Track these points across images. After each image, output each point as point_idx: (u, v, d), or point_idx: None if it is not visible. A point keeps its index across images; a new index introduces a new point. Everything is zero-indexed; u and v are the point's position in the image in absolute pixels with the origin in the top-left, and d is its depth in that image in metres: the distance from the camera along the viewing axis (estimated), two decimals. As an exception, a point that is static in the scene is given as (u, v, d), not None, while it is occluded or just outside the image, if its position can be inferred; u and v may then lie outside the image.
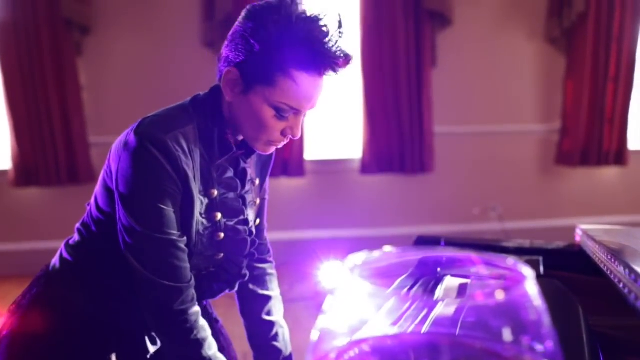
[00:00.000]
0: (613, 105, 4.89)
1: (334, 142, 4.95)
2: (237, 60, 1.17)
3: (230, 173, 1.29)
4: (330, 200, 4.86)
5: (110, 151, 1.24)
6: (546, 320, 0.48)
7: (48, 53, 4.37)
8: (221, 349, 1.47)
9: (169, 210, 1.17)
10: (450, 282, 1.46)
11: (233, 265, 1.36)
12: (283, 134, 1.23)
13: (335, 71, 1.18)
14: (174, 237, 1.19)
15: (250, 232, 1.37)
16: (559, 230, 4.82)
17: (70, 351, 1.27)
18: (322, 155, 4.88)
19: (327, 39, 1.14)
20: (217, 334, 1.53)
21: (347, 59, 1.18)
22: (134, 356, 1.34)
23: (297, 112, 1.21)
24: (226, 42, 1.21)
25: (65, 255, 1.34)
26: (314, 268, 3.94)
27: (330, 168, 4.87)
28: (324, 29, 1.14)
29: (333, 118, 4.83)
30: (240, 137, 1.30)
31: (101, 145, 4.53)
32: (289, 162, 4.63)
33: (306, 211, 4.83)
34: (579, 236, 1.51)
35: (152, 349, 1.36)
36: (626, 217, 5.03)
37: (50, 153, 4.48)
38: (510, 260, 0.51)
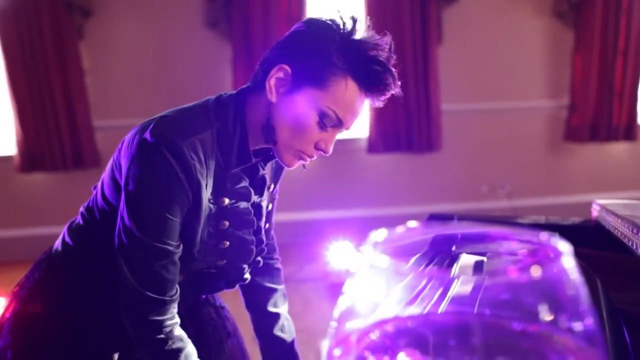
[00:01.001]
0: (622, 80, 4.82)
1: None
2: (292, 58, 1.15)
3: (244, 182, 1.24)
4: (337, 180, 4.83)
5: (123, 141, 1.20)
6: (584, 296, 0.45)
7: (50, 37, 4.33)
8: (227, 335, 1.45)
9: (174, 220, 1.14)
10: (466, 260, 1.43)
11: (234, 271, 1.33)
12: (315, 147, 1.20)
13: (381, 95, 1.19)
14: (171, 248, 1.15)
15: (260, 241, 1.33)
16: (569, 207, 4.79)
17: (71, 336, 1.25)
18: (329, 135, 4.83)
19: (387, 66, 1.16)
20: (223, 319, 1.52)
21: (392, 90, 1.19)
22: (131, 349, 1.31)
23: (338, 125, 1.18)
24: (279, 42, 1.19)
25: (67, 239, 1.32)
26: (323, 249, 3.93)
27: (337, 148, 4.71)
28: (386, 54, 1.17)
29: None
30: (258, 147, 1.25)
31: (105, 128, 4.50)
32: (295, 142, 4.58)
33: (313, 192, 4.81)
34: (595, 211, 1.47)
35: None
36: (637, 193, 4.98)
37: (55, 138, 4.45)
38: (544, 235, 0.48)
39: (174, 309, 1.19)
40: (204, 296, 1.48)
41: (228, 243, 1.25)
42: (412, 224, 0.49)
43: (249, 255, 1.31)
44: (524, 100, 4.89)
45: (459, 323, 0.50)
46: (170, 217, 1.13)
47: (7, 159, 4.58)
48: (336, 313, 0.50)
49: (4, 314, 1.28)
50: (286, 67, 1.15)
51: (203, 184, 1.15)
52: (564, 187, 5.04)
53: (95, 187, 1.30)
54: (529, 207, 4.83)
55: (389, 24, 4.49)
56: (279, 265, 1.56)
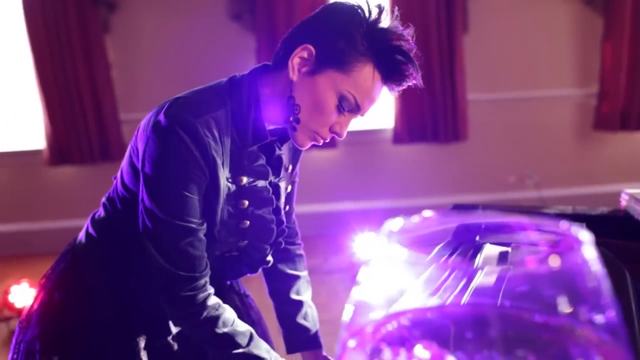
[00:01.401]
0: (654, 66, 4.71)
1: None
2: (317, 39, 1.16)
3: (261, 160, 1.25)
4: (362, 171, 4.81)
5: (139, 127, 1.22)
6: (606, 288, 0.44)
7: (76, 31, 4.37)
8: (252, 323, 1.45)
9: (193, 198, 1.15)
10: (490, 250, 1.41)
11: (256, 252, 1.33)
12: (330, 130, 1.21)
13: (400, 85, 1.21)
14: (194, 225, 1.16)
15: (280, 222, 1.34)
16: (599, 197, 4.71)
17: (97, 325, 1.27)
18: (354, 126, 4.80)
19: (410, 56, 1.18)
20: (248, 308, 1.52)
21: (412, 80, 1.21)
22: (157, 335, 1.33)
23: (355, 110, 1.20)
24: (304, 22, 1.21)
25: (90, 230, 1.33)
26: (349, 240, 3.92)
27: (362, 138, 4.81)
28: (410, 45, 1.18)
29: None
30: (273, 126, 1.26)
31: (132, 122, 4.55)
32: (320, 134, 4.57)
33: (339, 183, 4.80)
34: (624, 201, 1.44)
35: (174, 329, 1.35)
36: (669, 182, 4.88)
37: (82, 131, 4.51)
38: (564, 224, 0.46)
39: (206, 282, 1.21)
40: (228, 283, 1.49)
41: (248, 222, 1.26)
42: (428, 213, 0.48)
43: (270, 234, 1.32)
44: (552, 88, 4.80)
45: (477, 315, 0.49)
46: (189, 194, 1.14)
47: (36, 153, 4.66)
48: (350, 303, 0.50)
49: (32, 305, 1.30)
50: (310, 47, 1.16)
51: (219, 161, 1.16)
52: (593, 176, 4.95)
53: (115, 178, 1.31)
54: (557, 197, 4.76)
55: (414, 13, 4.45)
56: (301, 251, 1.55)
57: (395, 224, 0.47)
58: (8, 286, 3.36)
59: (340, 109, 1.18)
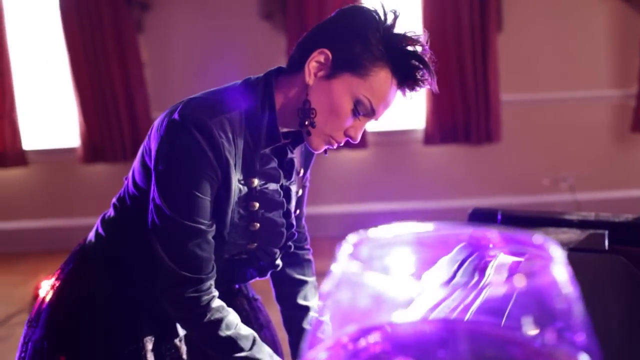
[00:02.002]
0: (697, 67, 4.55)
1: (396, 113, 4.83)
2: (334, 43, 1.17)
3: (273, 163, 1.25)
4: (393, 172, 4.77)
5: (152, 127, 1.22)
6: (577, 309, 0.41)
7: (110, 31, 4.44)
8: (260, 327, 1.44)
9: (204, 199, 1.15)
10: (503, 260, 1.37)
11: (266, 255, 1.32)
12: (344, 134, 1.22)
13: (412, 90, 1.21)
14: (203, 227, 1.16)
15: (290, 225, 1.34)
16: (636, 201, 4.57)
17: (103, 326, 1.27)
18: (384, 126, 4.78)
19: (426, 61, 1.19)
20: (256, 311, 1.51)
21: (425, 86, 1.22)
22: (165, 337, 1.33)
23: (370, 114, 1.20)
24: (320, 26, 1.22)
25: (100, 230, 1.34)
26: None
27: (392, 139, 4.77)
28: (425, 51, 1.19)
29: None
30: (285, 129, 1.25)
31: (164, 121, 4.58)
32: (350, 134, 4.55)
33: (369, 184, 4.77)
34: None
35: (181, 332, 1.35)
36: None
37: (115, 130, 4.57)
38: (538, 238, 0.43)
39: (211, 285, 1.21)
40: (237, 286, 1.48)
41: (258, 225, 1.25)
42: (385, 228, 0.46)
43: (279, 238, 1.31)
44: (588, 89, 4.67)
45: (448, 331, 0.47)
46: (200, 195, 1.14)
47: (71, 151, 4.74)
48: (321, 315, 0.48)
49: (40, 304, 1.31)
50: (327, 51, 1.16)
51: (232, 162, 1.16)
52: (632, 180, 4.80)
53: (126, 178, 1.32)
54: (593, 200, 4.64)
55: (447, 11, 4.39)
56: (309, 256, 1.54)
57: (355, 238, 0.45)
58: (39, 281, 3.43)
59: (355, 113, 1.18)
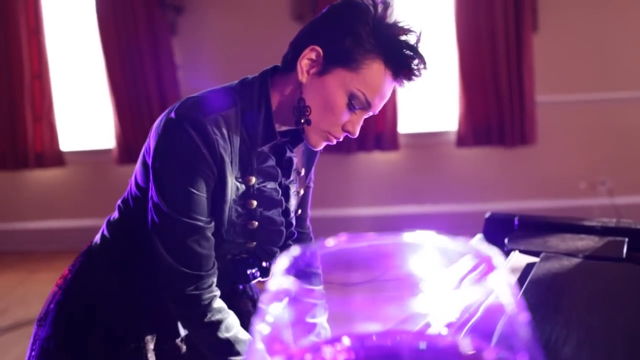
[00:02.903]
0: None
1: (428, 114, 4.78)
2: (325, 39, 1.18)
3: (271, 162, 1.26)
4: (425, 175, 4.71)
5: (153, 126, 1.24)
6: (522, 329, 0.38)
7: (144, 34, 4.51)
8: None
9: (200, 195, 1.16)
10: (517, 260, 1.33)
11: (266, 255, 1.32)
12: (342, 129, 1.22)
13: (409, 80, 1.21)
14: (201, 223, 1.17)
15: (289, 224, 1.34)
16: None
17: (105, 326, 1.29)
18: (417, 128, 4.73)
19: (418, 50, 1.18)
20: None
21: (422, 74, 1.21)
22: (166, 337, 1.34)
23: (366, 108, 1.20)
24: (310, 24, 1.23)
25: (105, 232, 1.36)
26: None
27: (424, 141, 4.72)
28: (416, 39, 1.19)
29: (427, 88, 4.66)
30: (284, 127, 1.26)
31: (196, 122, 4.63)
32: (383, 135, 4.53)
33: (400, 186, 4.72)
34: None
35: (182, 332, 1.36)
36: None
37: (149, 131, 4.62)
38: (482, 249, 0.41)
39: (212, 282, 1.22)
40: (241, 287, 1.48)
41: (257, 223, 1.25)
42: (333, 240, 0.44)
43: (279, 236, 1.32)
44: (627, 90, 4.52)
45: (393, 345, 0.45)
46: (196, 191, 1.15)
47: (106, 152, 4.83)
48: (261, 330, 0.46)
49: (49, 304, 1.33)
50: (318, 48, 1.17)
51: (227, 160, 1.16)
52: (675, 183, 4.65)
53: (130, 180, 1.33)
54: (633, 205, 4.50)
55: (480, 11, 4.32)
56: (319, 270, 1.51)
57: (296, 250, 0.43)
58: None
59: (351, 107, 1.19)
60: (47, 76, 4.73)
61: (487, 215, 1.61)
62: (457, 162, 4.69)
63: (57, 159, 4.84)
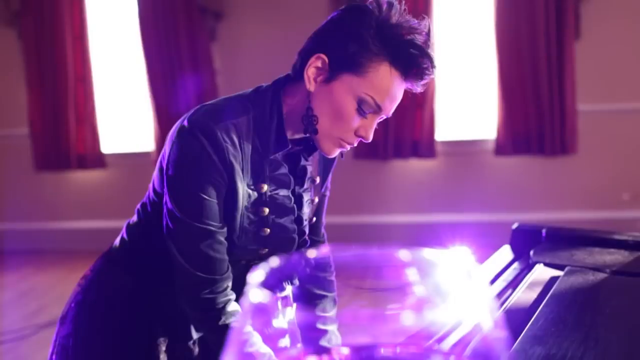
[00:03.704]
0: None
1: (466, 122, 4.73)
2: (329, 46, 1.18)
3: (284, 169, 1.26)
4: (462, 183, 4.66)
5: (169, 133, 1.26)
6: (498, 348, 0.37)
7: (184, 40, 4.59)
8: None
9: (211, 201, 1.17)
10: (540, 273, 1.30)
11: None
12: (356, 134, 1.21)
13: (420, 80, 1.19)
14: (213, 228, 1.18)
15: (302, 232, 1.34)
16: None
17: (120, 328, 1.32)
18: (454, 136, 4.68)
19: (425, 49, 1.16)
20: None
21: (432, 74, 1.19)
22: (178, 339, 1.36)
23: (377, 111, 1.19)
24: (315, 33, 1.23)
25: (124, 235, 1.39)
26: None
27: (462, 149, 4.66)
28: (423, 38, 1.17)
29: (465, 96, 4.61)
30: (297, 136, 1.26)
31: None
32: (420, 143, 4.50)
33: (437, 194, 4.68)
34: None
35: (195, 334, 1.37)
36: None
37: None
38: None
39: (227, 286, 1.23)
40: None
41: (269, 230, 1.26)
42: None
43: (291, 244, 1.32)
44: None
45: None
46: (207, 197, 1.16)
47: (146, 155, 4.92)
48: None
49: (70, 303, 1.36)
50: (323, 56, 1.17)
51: (237, 167, 1.18)
52: None
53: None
54: (678, 217, 4.36)
55: (521, 18, 4.25)
56: (332, 277, 1.50)
57: (275, 261, 0.43)
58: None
59: (361, 112, 1.18)
60: (90, 80, 4.85)
61: (514, 226, 1.58)
62: (496, 170, 4.62)
63: (99, 160, 4.96)
